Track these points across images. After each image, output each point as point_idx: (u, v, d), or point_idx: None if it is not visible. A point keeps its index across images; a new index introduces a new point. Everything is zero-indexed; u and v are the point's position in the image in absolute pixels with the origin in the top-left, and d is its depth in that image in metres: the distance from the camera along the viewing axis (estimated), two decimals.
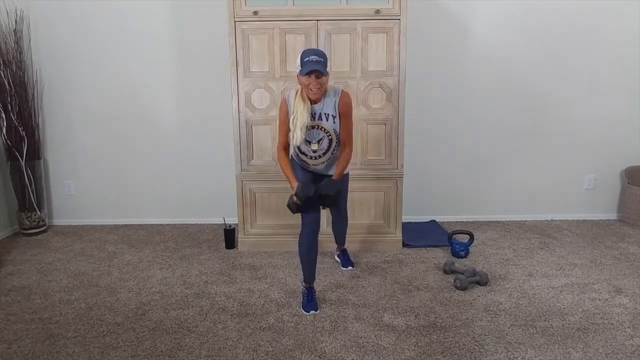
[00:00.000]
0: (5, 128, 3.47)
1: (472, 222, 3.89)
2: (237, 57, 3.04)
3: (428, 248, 3.31)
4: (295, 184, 2.38)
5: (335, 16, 2.98)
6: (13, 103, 3.47)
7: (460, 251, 3.12)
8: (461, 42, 3.64)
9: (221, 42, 3.41)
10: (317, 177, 2.55)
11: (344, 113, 2.36)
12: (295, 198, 2.35)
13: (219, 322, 2.32)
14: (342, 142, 2.45)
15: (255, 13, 2.97)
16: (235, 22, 2.99)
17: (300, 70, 2.22)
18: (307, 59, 2.18)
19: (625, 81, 3.73)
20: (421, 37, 3.56)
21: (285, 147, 2.46)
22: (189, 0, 3.56)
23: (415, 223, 3.79)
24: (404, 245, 3.32)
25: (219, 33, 3.42)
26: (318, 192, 2.35)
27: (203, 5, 3.54)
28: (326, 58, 2.23)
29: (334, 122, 2.37)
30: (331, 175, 2.49)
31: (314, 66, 2.17)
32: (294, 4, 2.98)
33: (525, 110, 3.76)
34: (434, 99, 3.72)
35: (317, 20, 2.99)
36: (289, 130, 2.40)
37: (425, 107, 3.72)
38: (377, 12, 2.96)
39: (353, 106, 2.47)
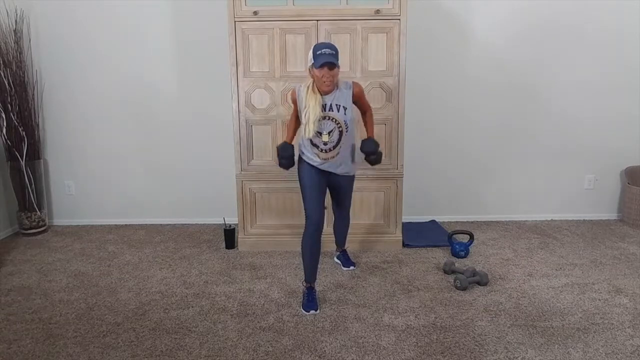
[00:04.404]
0: (5, 128, 3.47)
1: (472, 222, 3.89)
2: (237, 57, 3.04)
3: (428, 248, 3.31)
4: (287, 139, 2.59)
5: (335, 16, 2.98)
6: (13, 103, 3.47)
7: (460, 251, 3.12)
8: (461, 42, 3.64)
9: (221, 42, 3.41)
10: (328, 177, 2.57)
11: (360, 97, 2.49)
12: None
13: (219, 322, 2.32)
14: (363, 110, 2.59)
15: (255, 13, 2.97)
16: (235, 22, 2.99)
17: (314, 63, 2.28)
18: (320, 52, 2.26)
19: (625, 81, 3.73)
20: (421, 37, 3.56)
21: (293, 124, 2.60)
22: (189, 1, 3.56)
23: (415, 223, 3.79)
24: (404, 245, 3.32)
25: (219, 33, 3.42)
26: (363, 151, 2.52)
27: (203, 5, 3.54)
28: (337, 51, 2.31)
29: (345, 114, 2.41)
30: (342, 175, 2.58)
31: (327, 58, 2.25)
32: (294, 4, 2.98)
33: (525, 110, 3.76)
34: (434, 99, 3.72)
35: (317, 20, 2.99)
36: (296, 113, 2.53)
37: (425, 107, 3.72)
38: (377, 12, 2.96)
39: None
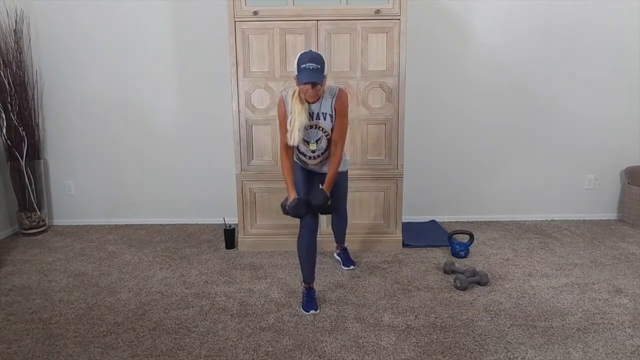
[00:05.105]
0: (5, 128, 3.47)
1: (472, 222, 3.89)
2: (237, 57, 3.04)
3: (428, 248, 3.31)
4: (293, 194, 2.38)
5: (335, 16, 2.98)
6: (13, 103, 3.47)
7: (460, 251, 3.12)
8: (461, 42, 3.63)
9: (221, 42, 3.41)
10: (316, 177, 2.56)
11: (339, 112, 2.35)
12: (288, 202, 2.37)
13: (219, 322, 2.32)
14: (333, 140, 2.40)
15: (255, 13, 2.97)
16: (235, 22, 2.99)
17: (297, 78, 2.21)
18: (304, 66, 2.16)
19: (625, 81, 3.73)
20: (421, 37, 3.56)
21: (287, 147, 2.41)
22: (189, 1, 3.56)
23: (415, 223, 3.79)
24: (404, 245, 3.32)
25: (219, 33, 3.42)
26: (311, 202, 2.37)
27: (203, 5, 3.54)
28: (323, 62, 2.20)
29: (331, 122, 2.37)
30: (326, 173, 2.48)
31: (310, 77, 2.15)
32: (294, 4, 2.98)
33: (525, 110, 3.76)
34: (434, 99, 3.72)
35: (317, 20, 2.99)
36: (287, 146, 2.40)
37: (425, 107, 3.72)
38: (377, 12, 2.96)
39: (353, 106, 2.47)
